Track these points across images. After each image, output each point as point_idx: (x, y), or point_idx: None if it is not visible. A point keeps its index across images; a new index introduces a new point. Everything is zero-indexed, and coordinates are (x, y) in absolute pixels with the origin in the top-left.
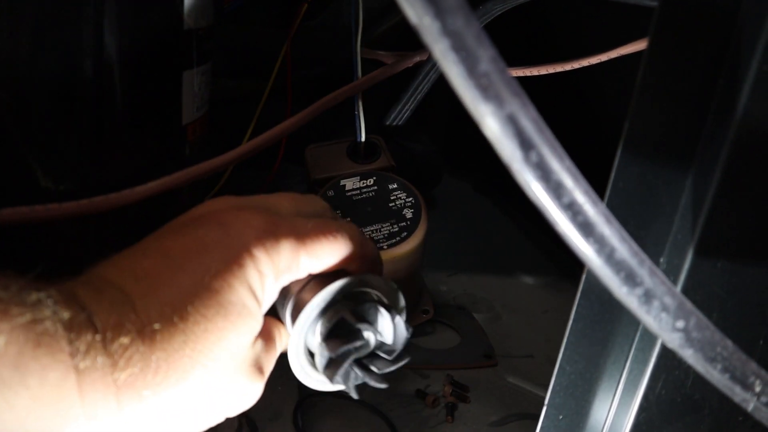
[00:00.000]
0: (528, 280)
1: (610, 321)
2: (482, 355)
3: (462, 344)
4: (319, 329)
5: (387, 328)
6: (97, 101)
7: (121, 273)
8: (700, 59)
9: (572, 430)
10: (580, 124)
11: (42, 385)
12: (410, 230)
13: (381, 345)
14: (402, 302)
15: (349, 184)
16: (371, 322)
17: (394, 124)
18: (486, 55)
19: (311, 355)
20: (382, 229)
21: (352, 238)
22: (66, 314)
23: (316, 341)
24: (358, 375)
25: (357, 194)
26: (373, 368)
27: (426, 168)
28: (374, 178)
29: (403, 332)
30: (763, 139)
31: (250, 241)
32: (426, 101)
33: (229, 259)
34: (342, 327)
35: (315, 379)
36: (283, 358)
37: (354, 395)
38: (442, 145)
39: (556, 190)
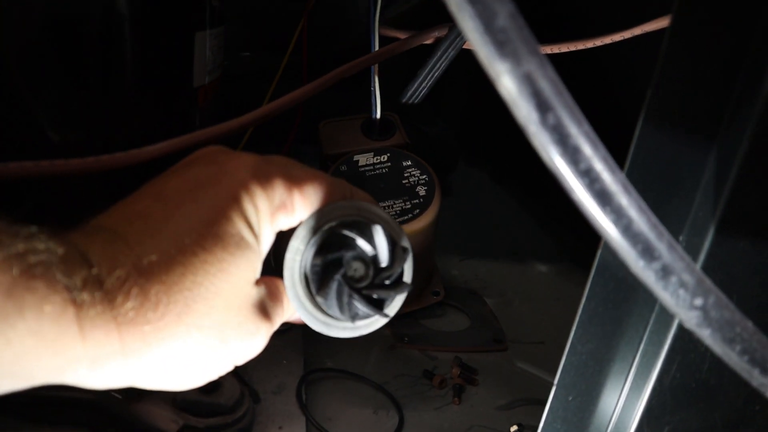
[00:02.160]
0: (541, 268)
1: (624, 300)
2: (492, 339)
3: (472, 328)
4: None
5: (381, 245)
6: (106, 55)
7: (114, 218)
8: (728, 29)
9: (582, 412)
10: (601, 103)
11: (39, 318)
12: (423, 207)
13: (379, 272)
14: (406, 242)
15: (363, 159)
16: (363, 237)
17: (411, 101)
18: (504, 10)
19: (313, 294)
20: (394, 206)
21: (344, 188)
22: (60, 249)
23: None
24: (357, 306)
25: (370, 170)
26: (374, 295)
27: (442, 152)
28: (388, 154)
29: (403, 255)
30: None
31: (245, 177)
32: (444, 90)
33: (225, 193)
34: (334, 243)
35: (319, 319)
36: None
37: (353, 330)
38: (459, 134)
39: (573, 155)
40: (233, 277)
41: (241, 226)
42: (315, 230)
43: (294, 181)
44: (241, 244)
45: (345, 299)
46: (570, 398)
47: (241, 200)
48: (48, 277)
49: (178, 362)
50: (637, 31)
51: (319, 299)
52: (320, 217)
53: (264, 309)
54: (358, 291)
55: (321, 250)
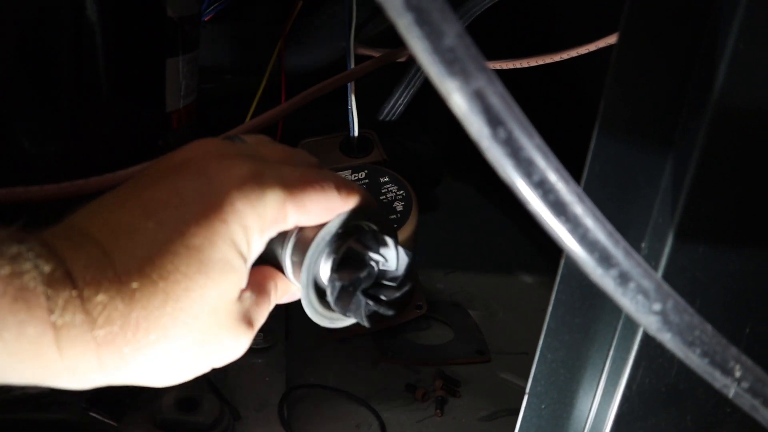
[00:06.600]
0: (526, 279)
1: (591, 307)
2: (475, 350)
3: (455, 340)
4: (324, 265)
5: (390, 255)
6: (78, 84)
7: (100, 226)
8: (677, 39)
9: (555, 421)
10: (566, 115)
11: (18, 340)
12: (400, 223)
13: (383, 273)
14: (395, 232)
15: None
16: (376, 250)
17: (388, 118)
18: (451, 30)
19: (318, 292)
20: None
21: (339, 188)
22: (46, 268)
23: (324, 276)
24: (368, 305)
25: None
26: (382, 296)
27: (426, 166)
28: (366, 171)
29: (405, 257)
30: (740, 120)
31: (233, 193)
32: (429, 104)
33: (211, 213)
34: (349, 258)
35: (326, 317)
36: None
37: (366, 324)
38: (444, 148)
39: (526, 167)
40: (214, 299)
41: (226, 251)
42: (331, 246)
43: (289, 192)
44: (225, 268)
45: (364, 309)
46: (543, 407)
47: (228, 222)
48: (30, 301)
49: (155, 371)
50: (601, 43)
51: (337, 308)
52: (335, 231)
53: (247, 317)
54: (376, 298)
55: (340, 266)
